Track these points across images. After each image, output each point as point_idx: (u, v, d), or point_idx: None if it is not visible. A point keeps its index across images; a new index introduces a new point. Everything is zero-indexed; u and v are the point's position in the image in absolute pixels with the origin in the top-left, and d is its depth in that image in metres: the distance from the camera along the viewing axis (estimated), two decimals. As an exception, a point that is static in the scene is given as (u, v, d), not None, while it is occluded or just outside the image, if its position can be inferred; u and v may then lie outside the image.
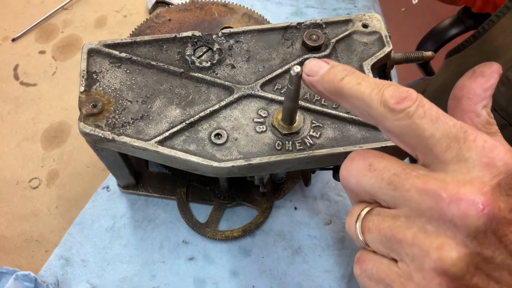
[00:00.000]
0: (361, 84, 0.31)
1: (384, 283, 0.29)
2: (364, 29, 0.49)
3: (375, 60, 0.47)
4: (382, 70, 0.51)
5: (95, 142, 0.44)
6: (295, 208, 0.58)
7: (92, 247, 0.55)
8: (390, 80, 0.52)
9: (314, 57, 0.47)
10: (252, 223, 0.55)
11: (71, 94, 0.66)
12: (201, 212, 0.57)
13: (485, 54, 0.73)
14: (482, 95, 0.33)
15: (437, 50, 1.10)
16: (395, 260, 0.29)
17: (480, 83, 0.34)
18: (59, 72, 0.69)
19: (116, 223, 0.56)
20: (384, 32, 0.48)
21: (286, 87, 0.38)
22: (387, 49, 0.47)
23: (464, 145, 0.27)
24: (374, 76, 0.51)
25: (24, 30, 0.72)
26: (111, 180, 0.59)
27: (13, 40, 0.72)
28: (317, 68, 0.33)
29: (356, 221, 0.31)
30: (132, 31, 0.52)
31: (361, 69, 0.46)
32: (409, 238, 0.27)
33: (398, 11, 2.22)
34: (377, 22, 0.49)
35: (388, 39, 0.48)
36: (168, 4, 0.74)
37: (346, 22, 0.49)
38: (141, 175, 0.58)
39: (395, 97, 0.29)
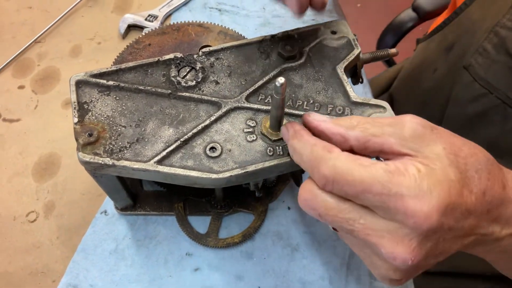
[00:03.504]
0: None
1: None
2: (333, 35, 0.53)
3: (347, 62, 0.51)
4: (353, 71, 0.55)
5: (95, 170, 0.45)
6: (289, 208, 0.61)
7: (98, 271, 0.56)
8: (361, 78, 0.56)
9: (291, 66, 0.50)
10: (251, 227, 0.58)
11: (56, 125, 0.67)
12: (200, 223, 0.59)
13: (464, 28, 0.75)
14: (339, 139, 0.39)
15: (396, 42, 1.17)
16: None
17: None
18: (41, 105, 0.70)
19: (119, 245, 0.58)
20: (351, 36, 0.53)
21: (271, 97, 0.42)
22: (356, 51, 0.52)
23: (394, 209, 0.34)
24: (347, 76, 0.55)
25: (-1, 68, 0.73)
26: (108, 204, 0.60)
27: (-11, 78, 0.72)
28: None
29: None
30: (115, 59, 0.54)
31: (334, 72, 0.50)
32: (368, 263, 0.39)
33: (354, 6, 2.30)
34: (344, 27, 0.54)
35: (356, 42, 0.52)
36: (140, 27, 0.77)
37: (316, 30, 0.53)
38: (138, 196, 0.60)
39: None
